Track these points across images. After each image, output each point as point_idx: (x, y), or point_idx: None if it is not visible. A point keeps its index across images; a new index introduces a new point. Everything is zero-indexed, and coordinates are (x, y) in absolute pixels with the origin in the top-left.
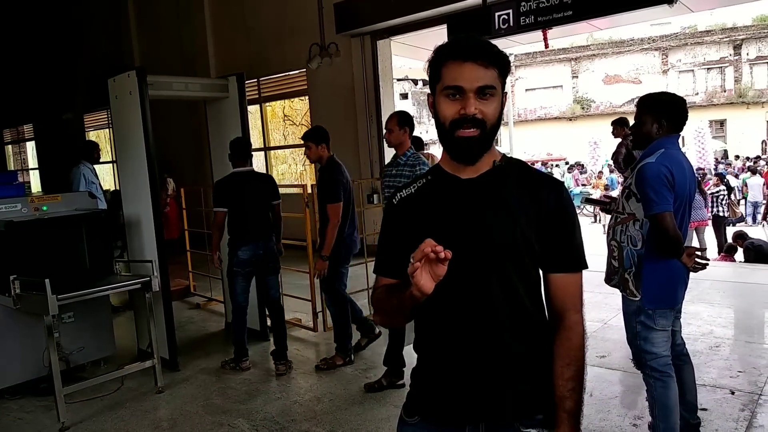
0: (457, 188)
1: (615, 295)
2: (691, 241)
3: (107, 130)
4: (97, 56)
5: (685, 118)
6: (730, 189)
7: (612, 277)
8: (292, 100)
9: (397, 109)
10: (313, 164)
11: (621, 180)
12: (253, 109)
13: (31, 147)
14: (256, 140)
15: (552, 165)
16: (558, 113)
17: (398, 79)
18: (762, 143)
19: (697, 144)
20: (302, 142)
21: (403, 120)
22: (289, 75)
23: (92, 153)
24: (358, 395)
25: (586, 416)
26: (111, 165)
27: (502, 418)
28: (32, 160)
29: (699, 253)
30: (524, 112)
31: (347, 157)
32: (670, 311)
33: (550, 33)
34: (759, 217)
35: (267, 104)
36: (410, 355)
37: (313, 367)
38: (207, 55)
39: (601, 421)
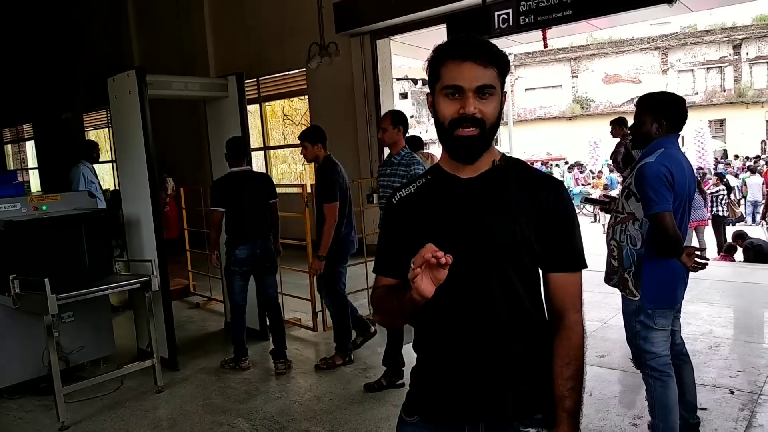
0: (457, 188)
1: (614, 295)
2: (690, 240)
3: (107, 129)
4: (97, 56)
5: (685, 117)
6: (729, 189)
7: (611, 277)
8: (292, 99)
9: (396, 108)
10: (312, 164)
11: (620, 180)
12: (252, 109)
13: (30, 146)
14: (255, 140)
15: (552, 165)
16: (557, 113)
17: (398, 79)
18: (761, 143)
19: (696, 144)
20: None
21: (397, 119)
22: (288, 74)
23: (92, 152)
24: (358, 395)
25: (586, 416)
26: (110, 164)
27: (501, 417)
28: (32, 160)
29: (698, 252)
30: (524, 111)
31: (347, 157)
32: (669, 311)
33: (550, 32)
34: (758, 217)
35: (266, 104)
36: (409, 355)
37: (312, 367)
38: (207, 55)
39: (600, 420)
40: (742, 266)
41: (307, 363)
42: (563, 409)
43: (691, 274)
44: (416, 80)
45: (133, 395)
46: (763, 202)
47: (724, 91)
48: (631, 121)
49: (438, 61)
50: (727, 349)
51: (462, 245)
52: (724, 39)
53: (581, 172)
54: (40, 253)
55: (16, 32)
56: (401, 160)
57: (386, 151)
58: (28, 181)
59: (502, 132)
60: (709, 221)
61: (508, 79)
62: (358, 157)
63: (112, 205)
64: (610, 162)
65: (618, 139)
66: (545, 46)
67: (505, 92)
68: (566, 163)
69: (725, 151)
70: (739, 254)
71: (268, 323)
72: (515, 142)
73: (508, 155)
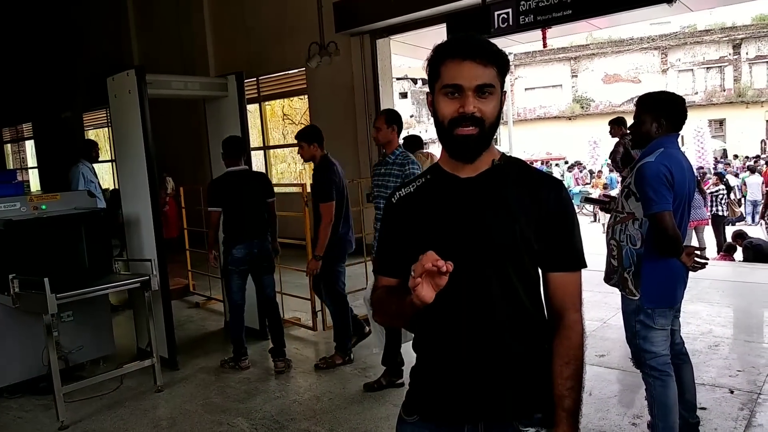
0: (457, 187)
1: (614, 294)
2: (690, 240)
3: (106, 128)
4: (97, 56)
5: (685, 117)
6: (729, 188)
7: (611, 276)
8: (292, 99)
9: (397, 108)
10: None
11: (620, 179)
12: (252, 108)
13: (30, 146)
14: (255, 139)
15: (552, 164)
16: (557, 112)
17: (397, 78)
18: (761, 142)
19: (696, 143)
20: None
21: (391, 118)
22: (288, 74)
23: (91, 152)
24: (358, 394)
25: (585, 415)
26: (110, 164)
27: (501, 416)
28: (31, 159)
29: (698, 252)
30: (524, 111)
31: (346, 156)
32: (669, 310)
33: (550, 32)
34: (758, 216)
35: (266, 103)
36: (409, 354)
37: (312, 366)
38: (206, 54)
39: (600, 420)
40: (742, 266)
41: (307, 362)
42: (563, 408)
43: (690, 273)
44: (416, 80)
45: (133, 395)
46: (763, 201)
47: (724, 90)
48: (630, 121)
49: (438, 60)
50: (727, 348)
51: (462, 245)
52: (724, 39)
53: (581, 172)
54: (40, 253)
55: (16, 32)
56: (396, 159)
57: None
58: (28, 181)
59: (502, 132)
60: (709, 221)
61: (507, 78)
62: (357, 156)
63: (112, 205)
64: (609, 162)
65: (617, 139)
66: (545, 45)
67: (505, 92)
68: (566, 162)
69: (725, 150)
70: (738, 254)
71: (267, 322)
72: (515, 141)
73: (508, 155)
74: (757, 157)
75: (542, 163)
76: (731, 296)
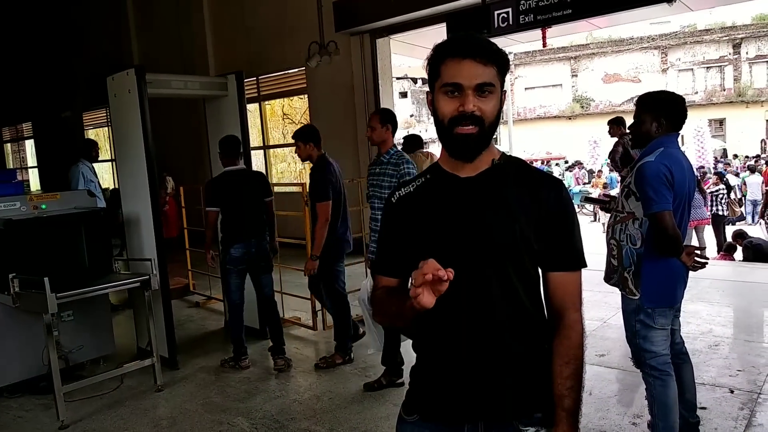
0: (456, 187)
1: (614, 294)
2: (690, 239)
3: (106, 128)
4: (97, 56)
5: (685, 116)
6: (729, 188)
7: (611, 276)
8: (292, 98)
9: (396, 107)
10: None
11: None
12: (252, 108)
13: (30, 145)
14: (255, 139)
15: (552, 164)
16: (557, 112)
17: (397, 78)
18: (761, 142)
19: (696, 143)
20: None
21: (386, 117)
22: (288, 73)
23: (91, 151)
24: (358, 394)
25: (585, 415)
26: (110, 163)
27: (501, 416)
28: (31, 159)
29: (698, 251)
30: (523, 110)
31: (346, 155)
32: (669, 310)
33: (549, 31)
34: (757, 216)
35: (266, 102)
36: (409, 354)
37: (312, 366)
38: (206, 54)
39: (600, 419)
40: (742, 265)
41: (307, 362)
42: (562, 408)
43: (690, 273)
44: (416, 79)
45: (133, 394)
46: (763, 201)
47: (724, 90)
48: (629, 121)
49: (438, 59)
50: (727, 348)
51: (461, 245)
52: (724, 38)
53: (581, 171)
54: (40, 252)
55: (16, 31)
56: (390, 159)
57: None
58: (28, 180)
59: (502, 131)
60: (709, 220)
61: (507, 78)
62: (357, 155)
63: (112, 204)
64: (609, 161)
65: (616, 139)
66: (544, 45)
67: (505, 91)
68: (566, 162)
69: (725, 150)
70: (738, 253)
71: (266, 321)
72: (515, 141)
73: (508, 154)
74: (757, 156)
75: (542, 163)
76: (731, 296)
